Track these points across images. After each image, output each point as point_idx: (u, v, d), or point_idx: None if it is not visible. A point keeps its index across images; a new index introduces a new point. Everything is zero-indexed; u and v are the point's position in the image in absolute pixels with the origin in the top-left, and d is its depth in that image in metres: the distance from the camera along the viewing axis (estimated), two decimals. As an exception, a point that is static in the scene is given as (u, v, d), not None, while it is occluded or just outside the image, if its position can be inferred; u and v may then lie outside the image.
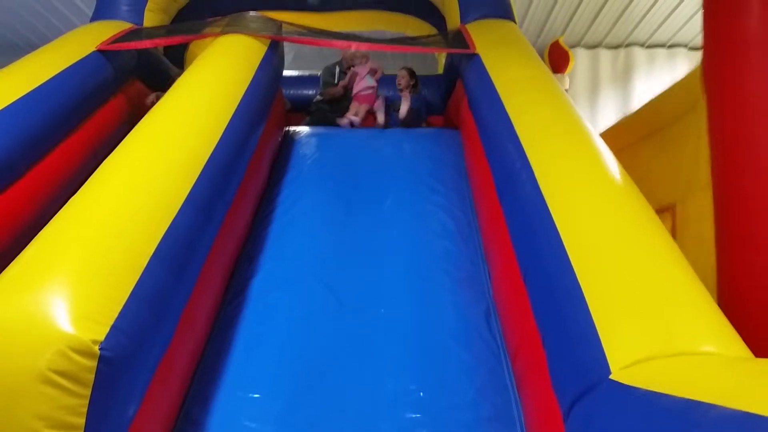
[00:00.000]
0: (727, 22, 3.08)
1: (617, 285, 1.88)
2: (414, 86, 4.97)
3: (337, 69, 5.41)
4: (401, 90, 4.92)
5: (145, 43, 4.54)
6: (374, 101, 4.94)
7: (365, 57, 5.09)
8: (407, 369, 2.48)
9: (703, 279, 3.14)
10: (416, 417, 2.28)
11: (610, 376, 1.62)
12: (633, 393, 1.50)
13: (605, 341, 1.71)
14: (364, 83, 4.94)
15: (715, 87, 3.20)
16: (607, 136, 5.02)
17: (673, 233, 3.70)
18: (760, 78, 2.94)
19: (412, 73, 5.05)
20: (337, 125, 4.94)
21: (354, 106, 4.91)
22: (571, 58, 8.51)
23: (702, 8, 3.31)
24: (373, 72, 5.03)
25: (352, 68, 5.15)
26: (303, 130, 4.78)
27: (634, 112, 4.95)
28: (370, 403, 2.34)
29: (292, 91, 5.73)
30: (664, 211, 3.82)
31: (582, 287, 1.91)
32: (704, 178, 3.27)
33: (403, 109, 4.70)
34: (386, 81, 5.19)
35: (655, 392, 1.42)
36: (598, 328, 1.76)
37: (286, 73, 5.43)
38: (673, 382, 1.44)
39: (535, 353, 2.12)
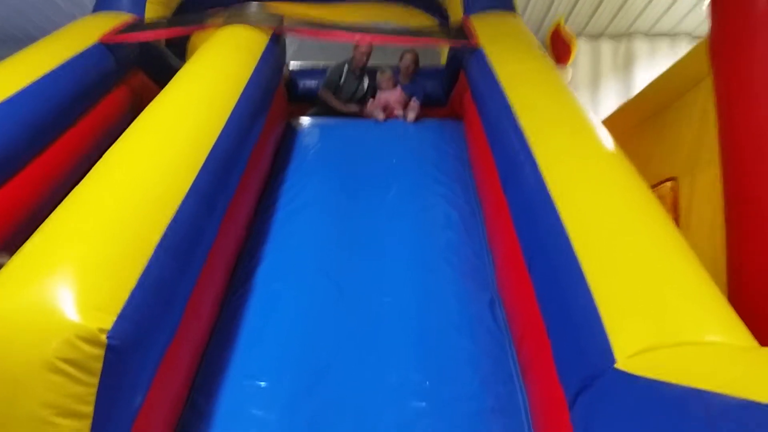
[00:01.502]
0: (734, 1, 3.08)
1: (622, 274, 1.89)
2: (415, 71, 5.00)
3: (345, 68, 5.28)
4: (405, 76, 4.89)
5: (147, 35, 4.54)
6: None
7: (392, 80, 4.92)
8: (411, 359, 2.50)
9: (708, 254, 3.19)
10: (421, 406, 2.29)
11: (615, 365, 1.62)
12: (638, 382, 1.51)
13: (610, 330, 1.71)
14: (396, 114, 4.76)
15: (723, 66, 3.20)
16: (611, 119, 5.04)
17: (675, 205, 3.72)
18: (767, 56, 2.94)
19: (416, 59, 5.03)
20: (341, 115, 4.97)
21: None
22: (573, 48, 8.38)
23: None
24: (403, 105, 4.81)
25: (379, 91, 4.95)
26: (306, 120, 4.79)
27: (637, 94, 4.96)
28: (375, 392, 2.36)
29: (294, 82, 5.76)
30: (665, 182, 3.85)
31: (586, 276, 1.91)
32: (708, 154, 3.28)
33: (411, 116, 4.62)
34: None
35: (660, 381, 1.43)
36: (602, 317, 1.76)
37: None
38: (677, 372, 1.44)
39: (539, 343, 2.13)
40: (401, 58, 5.04)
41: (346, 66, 5.28)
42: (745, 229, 2.97)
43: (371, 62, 5.33)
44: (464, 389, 2.36)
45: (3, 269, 1.87)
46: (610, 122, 4.96)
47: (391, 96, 4.83)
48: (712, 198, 3.26)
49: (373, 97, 4.98)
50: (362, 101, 5.19)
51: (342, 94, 5.25)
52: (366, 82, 5.30)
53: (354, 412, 2.28)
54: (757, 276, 2.85)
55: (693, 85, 3.65)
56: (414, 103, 4.75)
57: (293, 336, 2.63)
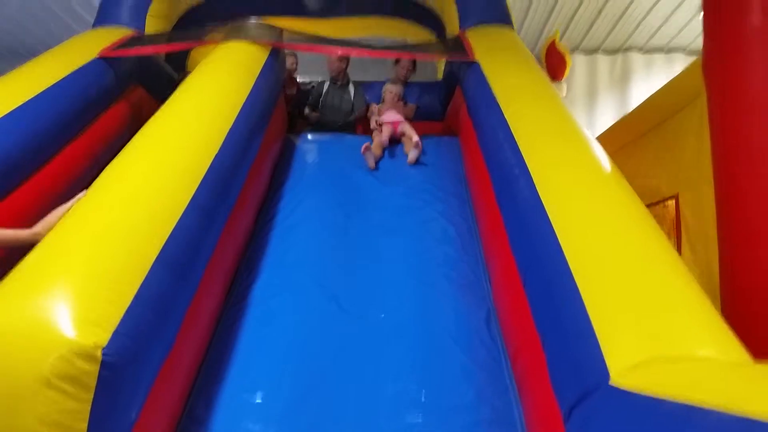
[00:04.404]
0: (728, 17, 3.11)
1: (615, 289, 1.89)
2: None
3: (327, 83, 5.32)
4: (403, 81, 4.85)
5: (147, 50, 4.56)
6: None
7: (398, 95, 4.79)
8: (408, 372, 2.50)
9: (707, 273, 3.20)
10: (417, 420, 2.29)
11: (609, 381, 1.62)
12: (632, 398, 1.51)
13: (604, 345, 1.72)
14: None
15: (716, 83, 3.22)
16: (608, 135, 5.06)
17: (677, 222, 3.73)
18: (761, 75, 2.97)
19: (413, 61, 5.01)
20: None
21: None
22: (567, 63, 8.44)
23: (702, 5, 3.34)
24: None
25: (381, 106, 4.83)
26: (304, 136, 4.80)
27: (634, 109, 4.99)
28: (371, 405, 2.36)
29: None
30: (667, 200, 3.86)
31: (580, 291, 1.92)
32: (708, 170, 3.30)
33: (413, 156, 4.15)
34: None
35: (654, 397, 1.43)
36: (596, 332, 1.77)
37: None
38: (671, 387, 1.44)
39: (535, 357, 2.13)
40: (396, 62, 5.04)
41: (328, 82, 5.32)
42: (737, 245, 2.99)
43: (362, 77, 5.37)
44: (460, 402, 2.36)
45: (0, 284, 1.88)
46: (606, 137, 4.99)
47: (396, 118, 4.60)
48: (710, 214, 3.27)
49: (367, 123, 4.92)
50: (350, 112, 5.23)
51: (326, 107, 5.27)
52: (352, 92, 5.31)
53: (350, 426, 2.28)
54: (749, 292, 2.86)
55: (690, 101, 3.68)
56: (415, 138, 4.31)
57: (290, 349, 2.63)
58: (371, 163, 4.10)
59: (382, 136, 4.40)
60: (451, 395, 2.40)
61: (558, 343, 1.98)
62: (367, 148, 4.12)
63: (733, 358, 1.67)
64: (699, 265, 3.39)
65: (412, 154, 4.14)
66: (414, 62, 5.09)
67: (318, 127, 5.24)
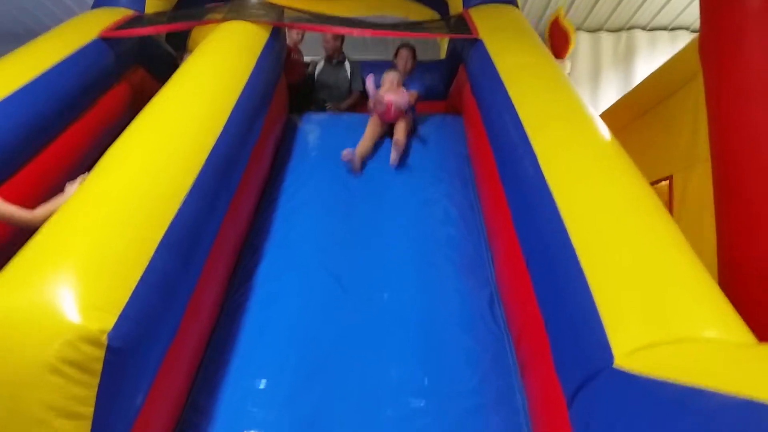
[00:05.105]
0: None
1: (620, 270, 1.88)
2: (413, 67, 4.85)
3: (322, 62, 5.27)
4: (404, 73, 4.68)
5: (147, 30, 4.52)
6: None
7: (397, 82, 4.42)
8: (411, 355, 2.51)
9: (701, 253, 3.19)
10: (420, 403, 2.30)
11: (614, 363, 1.62)
12: (636, 380, 1.50)
13: (608, 327, 1.71)
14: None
15: (713, 64, 3.19)
16: (607, 115, 5.03)
17: (670, 204, 3.72)
18: (758, 56, 2.94)
19: (414, 54, 4.86)
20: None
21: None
22: (572, 41, 8.32)
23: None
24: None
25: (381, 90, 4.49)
26: (306, 116, 4.77)
27: (631, 90, 4.95)
28: (375, 389, 2.37)
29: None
30: (661, 181, 3.85)
31: (585, 273, 1.91)
32: (703, 151, 3.28)
33: (394, 156, 3.87)
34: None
35: (659, 379, 1.42)
36: (601, 313, 1.76)
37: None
38: (676, 369, 1.44)
39: (538, 339, 2.13)
40: (396, 54, 4.94)
41: (323, 60, 5.28)
42: (735, 225, 2.97)
43: (366, 57, 5.30)
44: (463, 386, 2.37)
45: (4, 269, 1.88)
46: (607, 116, 4.96)
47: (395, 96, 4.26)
48: (704, 195, 3.26)
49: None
50: (347, 91, 5.19)
51: (321, 86, 5.24)
52: (348, 70, 5.25)
53: (354, 409, 2.29)
54: (748, 274, 2.85)
55: (686, 81, 3.65)
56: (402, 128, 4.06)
57: (294, 333, 2.64)
58: (356, 166, 3.83)
59: (374, 120, 4.15)
60: (455, 379, 2.41)
61: (562, 325, 1.97)
62: (349, 156, 3.80)
63: (738, 339, 1.66)
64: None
65: (393, 156, 3.87)
66: (414, 54, 5.00)
67: (317, 106, 5.21)
